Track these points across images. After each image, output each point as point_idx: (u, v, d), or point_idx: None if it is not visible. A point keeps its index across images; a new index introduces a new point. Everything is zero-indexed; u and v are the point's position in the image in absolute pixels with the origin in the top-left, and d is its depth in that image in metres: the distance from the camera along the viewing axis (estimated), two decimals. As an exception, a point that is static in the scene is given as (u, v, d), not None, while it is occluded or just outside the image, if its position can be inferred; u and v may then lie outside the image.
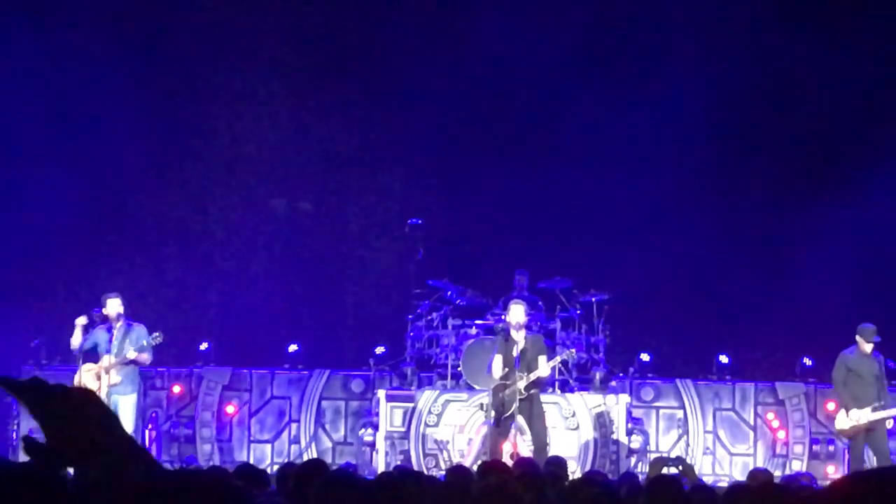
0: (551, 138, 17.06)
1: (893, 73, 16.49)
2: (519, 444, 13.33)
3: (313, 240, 17.76)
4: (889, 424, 13.44)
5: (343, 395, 15.76)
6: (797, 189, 16.58)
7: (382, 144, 17.57)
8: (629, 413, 14.66)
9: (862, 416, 13.01)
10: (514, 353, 12.88)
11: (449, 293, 15.21)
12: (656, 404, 15.62)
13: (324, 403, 15.75)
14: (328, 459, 14.59)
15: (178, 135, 17.45)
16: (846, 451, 14.67)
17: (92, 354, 13.27)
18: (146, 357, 13.31)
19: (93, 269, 16.21)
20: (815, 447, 15.38)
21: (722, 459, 15.51)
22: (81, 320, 13.22)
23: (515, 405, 12.85)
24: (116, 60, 16.09)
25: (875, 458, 13.14)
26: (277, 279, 17.43)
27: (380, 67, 17.42)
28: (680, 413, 15.57)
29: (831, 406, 15.06)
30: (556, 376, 14.52)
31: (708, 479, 14.44)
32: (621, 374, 15.49)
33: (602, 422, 14.38)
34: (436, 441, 14.51)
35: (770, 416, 15.54)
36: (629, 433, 14.49)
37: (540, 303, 15.14)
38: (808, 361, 15.63)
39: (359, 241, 17.72)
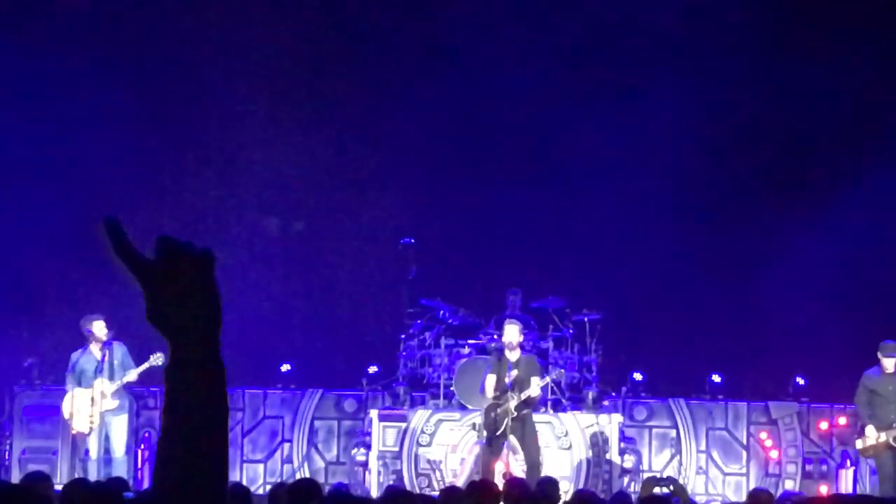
0: (545, 158, 17.08)
1: (874, 92, 16.56)
2: (511, 464, 13.30)
3: (305, 259, 17.76)
4: None
5: (336, 415, 15.75)
6: (791, 209, 16.59)
7: (375, 164, 17.58)
8: (622, 432, 14.64)
9: (881, 435, 12.92)
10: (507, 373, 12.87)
11: (442, 312, 15.20)
12: (649, 424, 15.61)
13: (316, 423, 15.73)
14: (321, 479, 14.55)
15: (170, 154, 17.46)
16: (838, 471, 14.67)
17: (83, 379, 13.28)
18: (135, 375, 13.40)
19: (85, 289, 16.16)
20: (808, 467, 15.34)
21: (715, 479, 15.50)
22: None
23: (508, 425, 12.83)
24: (107, 79, 16.08)
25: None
26: (270, 298, 17.41)
27: (372, 88, 17.45)
28: (673, 432, 15.55)
29: (824, 425, 15.05)
30: (549, 395, 14.50)
31: (701, 499, 14.46)
32: (614, 394, 15.48)
33: (595, 441, 14.36)
34: (428, 461, 14.48)
35: (763, 435, 15.51)
36: (622, 453, 14.46)
37: (532, 322, 15.15)
38: (800, 381, 15.62)
39: (351, 261, 17.71)
